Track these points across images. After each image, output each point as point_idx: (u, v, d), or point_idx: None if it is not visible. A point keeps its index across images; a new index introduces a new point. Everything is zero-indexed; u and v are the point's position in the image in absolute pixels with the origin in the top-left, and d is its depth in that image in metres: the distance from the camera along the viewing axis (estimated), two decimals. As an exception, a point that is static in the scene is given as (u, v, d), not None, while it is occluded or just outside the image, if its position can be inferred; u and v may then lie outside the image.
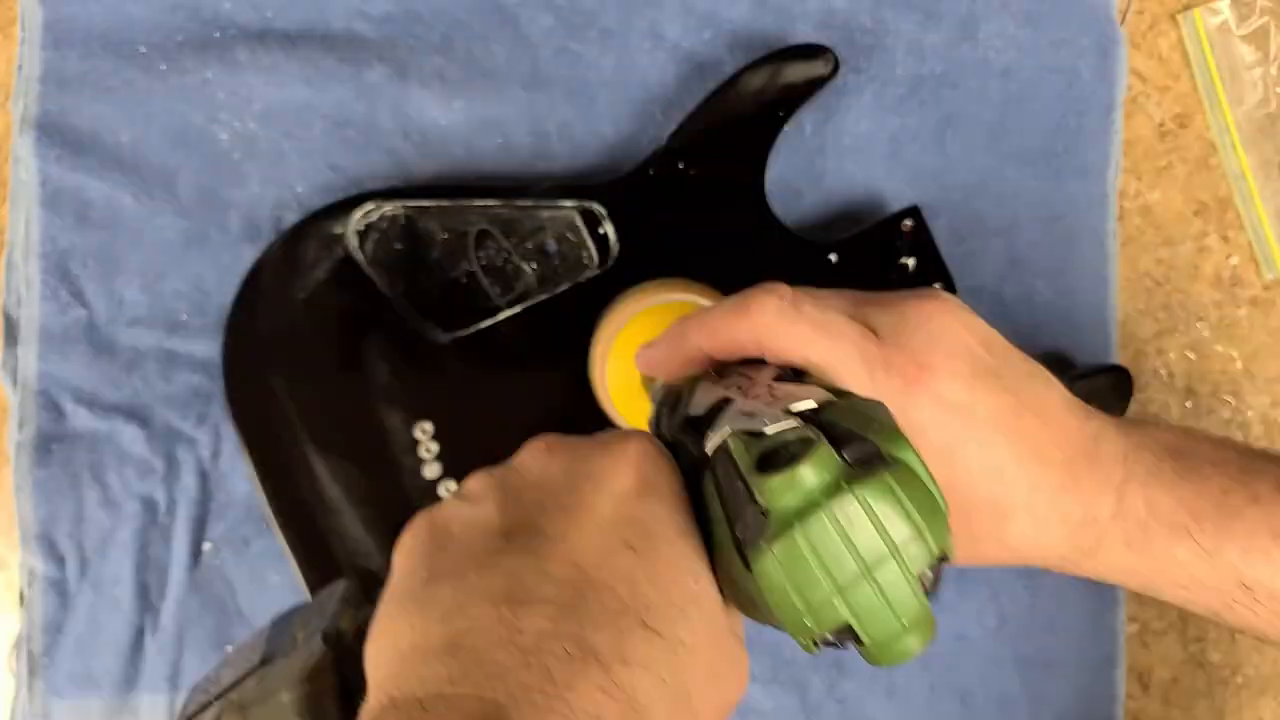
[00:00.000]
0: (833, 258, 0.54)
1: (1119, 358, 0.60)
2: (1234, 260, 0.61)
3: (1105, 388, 0.55)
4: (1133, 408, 0.60)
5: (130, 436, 0.57)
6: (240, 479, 0.57)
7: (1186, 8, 0.61)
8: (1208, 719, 0.61)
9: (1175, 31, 0.61)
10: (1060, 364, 0.58)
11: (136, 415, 0.57)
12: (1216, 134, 0.61)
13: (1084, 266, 0.59)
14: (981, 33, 0.58)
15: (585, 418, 0.53)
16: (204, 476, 0.58)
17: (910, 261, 0.54)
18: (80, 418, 0.57)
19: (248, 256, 0.57)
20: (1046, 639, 0.59)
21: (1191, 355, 0.61)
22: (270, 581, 0.57)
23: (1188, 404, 0.61)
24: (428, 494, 0.53)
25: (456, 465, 0.53)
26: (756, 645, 0.57)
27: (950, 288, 0.54)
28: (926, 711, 0.58)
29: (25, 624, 0.57)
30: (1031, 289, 0.59)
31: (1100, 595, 0.59)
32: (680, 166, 0.54)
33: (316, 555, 0.54)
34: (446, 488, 0.53)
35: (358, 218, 0.53)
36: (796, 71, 0.53)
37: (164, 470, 0.57)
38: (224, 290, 0.57)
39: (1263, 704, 0.61)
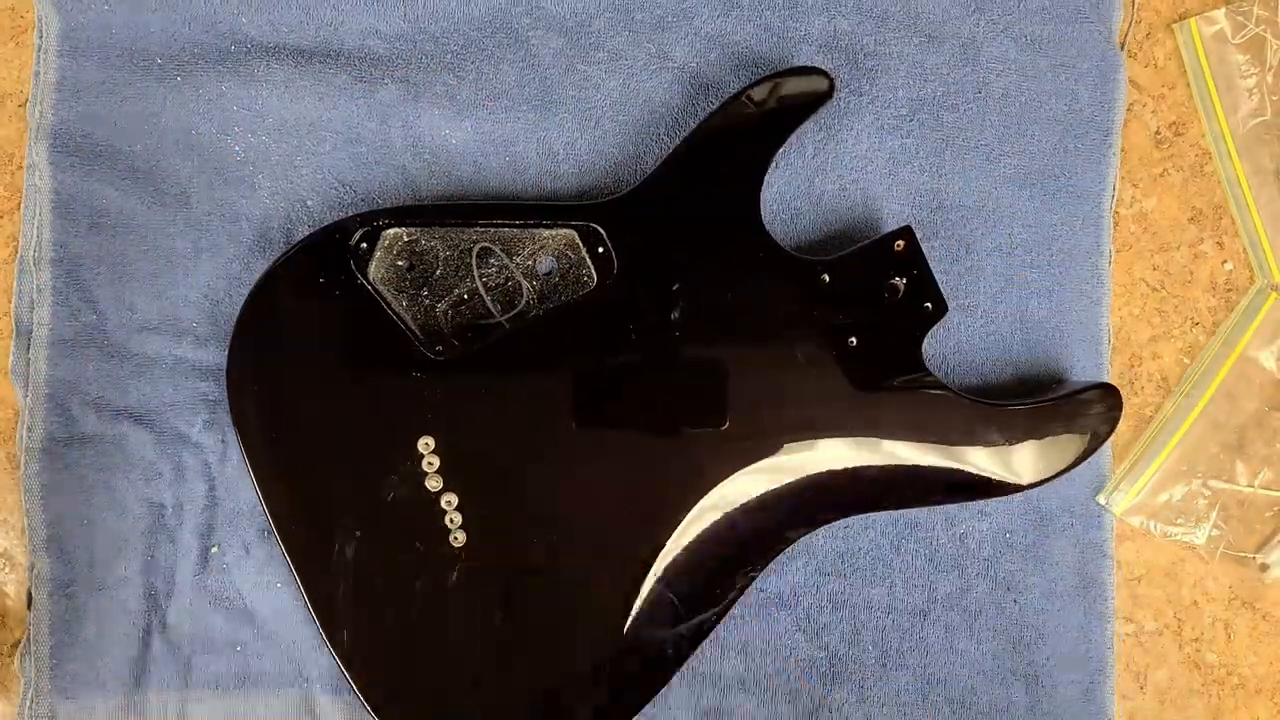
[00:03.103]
0: (826, 277, 0.54)
1: (1109, 375, 0.60)
2: (1229, 266, 0.62)
3: (1094, 402, 0.55)
4: (1128, 410, 0.61)
5: (138, 441, 0.58)
6: (247, 484, 0.58)
7: (1182, 17, 0.61)
8: (1203, 719, 0.62)
9: (1171, 40, 0.61)
10: (1051, 382, 0.59)
11: (144, 420, 0.58)
12: (1212, 141, 0.61)
13: (1077, 287, 0.59)
14: (983, 56, 0.59)
15: (579, 430, 0.54)
16: (210, 481, 0.58)
17: (901, 281, 0.55)
18: (89, 422, 0.58)
19: (257, 267, 0.58)
20: (1037, 652, 0.59)
21: (1187, 360, 0.62)
22: (276, 584, 0.58)
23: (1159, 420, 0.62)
24: (429, 506, 0.54)
25: (458, 479, 0.53)
26: (750, 653, 0.59)
27: (940, 308, 0.55)
28: (919, 723, 0.59)
29: (32, 626, 0.58)
30: (1025, 308, 0.59)
31: (1090, 610, 0.59)
32: (678, 188, 0.54)
33: (317, 563, 0.54)
34: (447, 501, 0.54)
35: (363, 235, 0.54)
36: (793, 94, 0.54)
37: (171, 475, 0.58)
38: (233, 300, 0.58)
39: (1258, 704, 0.62)
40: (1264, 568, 0.61)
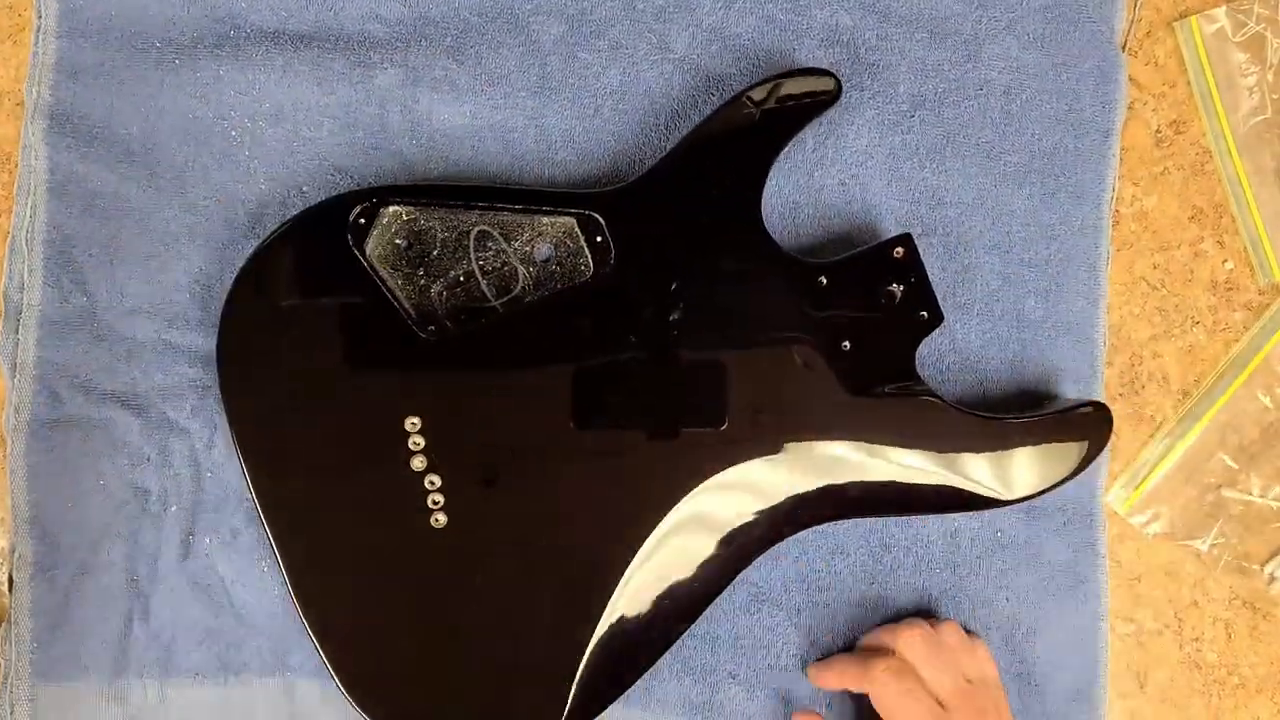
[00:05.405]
0: (823, 280, 0.54)
1: (1104, 377, 0.60)
2: (1229, 265, 0.61)
3: (1086, 419, 0.55)
4: (1129, 410, 0.61)
5: (125, 425, 0.58)
6: (233, 470, 0.57)
7: (1183, 15, 0.61)
8: (1204, 718, 0.61)
9: (1171, 39, 0.61)
10: (1046, 382, 0.59)
11: (132, 404, 0.58)
12: (1212, 140, 0.61)
13: (1075, 288, 0.59)
14: (985, 53, 0.59)
15: (567, 418, 0.54)
16: (196, 467, 0.58)
17: (898, 288, 0.54)
18: (76, 404, 0.57)
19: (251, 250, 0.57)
20: (1028, 650, 0.59)
21: (1188, 358, 0.61)
22: (260, 571, 0.57)
23: (1172, 422, 0.61)
24: (412, 486, 0.53)
25: (442, 460, 0.53)
26: (741, 648, 0.58)
27: (936, 317, 0.54)
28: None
29: (13, 608, 0.57)
30: (1021, 307, 0.59)
31: (1082, 609, 0.59)
32: (679, 182, 0.54)
33: (302, 547, 0.54)
34: (430, 481, 0.53)
35: (362, 210, 0.53)
36: (798, 94, 0.54)
37: (157, 460, 0.58)
38: (226, 286, 0.57)
39: (1258, 703, 0.61)
40: (1271, 580, 0.60)
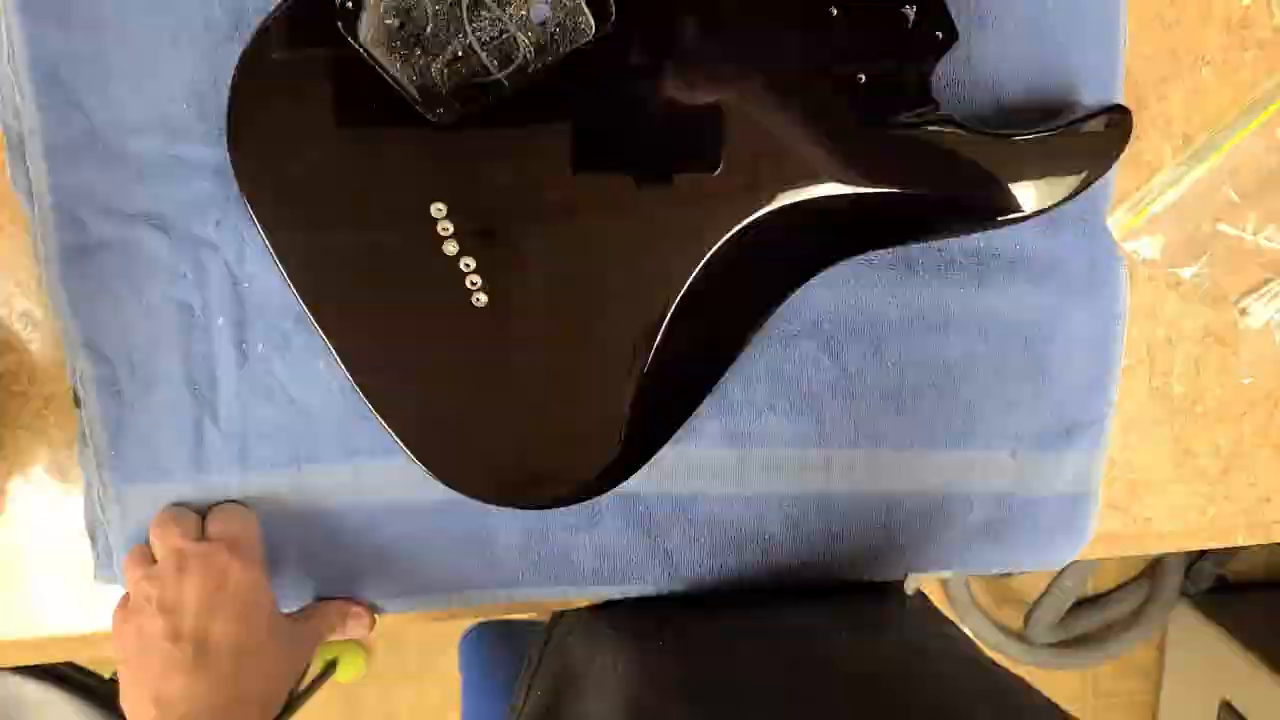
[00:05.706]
0: (833, 10, 0.52)
1: (1123, 83, 0.58)
2: (1246, 1, 0.59)
3: (1104, 125, 0.54)
4: (1128, 156, 0.59)
5: (154, 244, 0.58)
6: (270, 277, 0.58)
7: None
8: (1166, 442, 0.65)
9: None
10: (1065, 93, 0.58)
11: (157, 223, 0.58)
12: None
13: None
14: None
15: (591, 180, 0.54)
16: (234, 279, 0.59)
17: (910, 9, 0.52)
18: (101, 228, 0.58)
19: (239, 52, 0.55)
20: (1046, 347, 0.61)
21: (1193, 100, 0.60)
22: (316, 369, 0.59)
23: (1182, 155, 0.61)
24: (450, 270, 0.54)
25: (473, 241, 0.54)
26: (776, 380, 0.60)
27: (951, 35, 0.52)
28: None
29: (85, 423, 0.60)
30: (1040, 10, 0.57)
31: (1099, 309, 0.61)
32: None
33: (357, 345, 0.56)
34: (465, 264, 0.54)
35: (344, -6, 0.51)
36: None
37: (194, 275, 0.58)
38: (219, 92, 0.55)
39: (1219, 430, 0.65)
40: (1243, 313, 0.62)
